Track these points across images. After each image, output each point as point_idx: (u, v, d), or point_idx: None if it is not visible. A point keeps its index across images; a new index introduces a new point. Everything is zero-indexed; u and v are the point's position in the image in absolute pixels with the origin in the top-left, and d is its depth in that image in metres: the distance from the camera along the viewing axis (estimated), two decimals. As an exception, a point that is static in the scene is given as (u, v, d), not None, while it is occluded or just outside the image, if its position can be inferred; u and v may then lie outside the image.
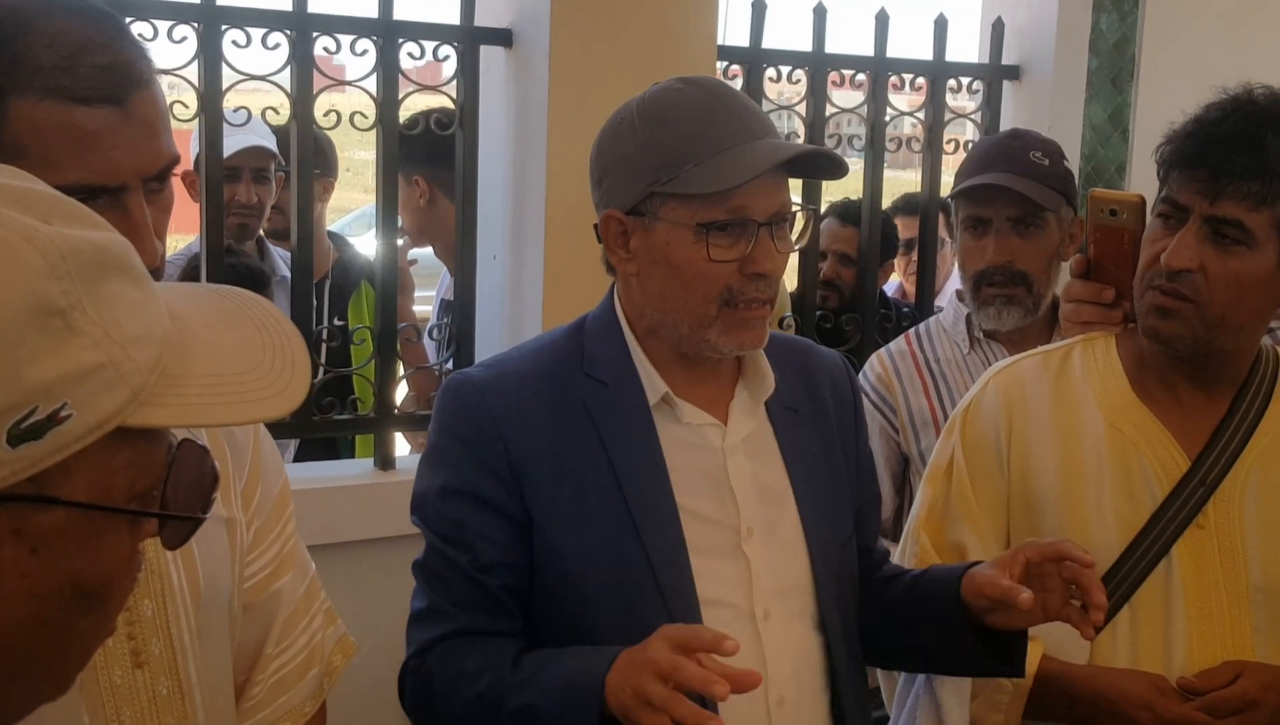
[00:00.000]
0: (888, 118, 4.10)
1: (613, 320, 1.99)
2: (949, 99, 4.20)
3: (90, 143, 1.44)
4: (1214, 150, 2.01)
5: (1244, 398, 2.18)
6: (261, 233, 4.11)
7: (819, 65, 3.95)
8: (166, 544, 1.08)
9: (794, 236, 1.93)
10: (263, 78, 3.26)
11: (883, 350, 3.14)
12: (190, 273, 3.60)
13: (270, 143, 3.94)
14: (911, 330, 3.19)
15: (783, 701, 1.93)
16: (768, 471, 1.99)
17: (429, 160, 3.84)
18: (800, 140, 3.98)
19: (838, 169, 1.96)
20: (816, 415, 2.06)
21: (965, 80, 4.24)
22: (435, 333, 3.83)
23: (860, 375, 3.02)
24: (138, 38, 1.53)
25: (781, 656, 1.94)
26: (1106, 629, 2.13)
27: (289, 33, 3.24)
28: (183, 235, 3.93)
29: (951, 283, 5.27)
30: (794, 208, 1.91)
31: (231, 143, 3.59)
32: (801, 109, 3.98)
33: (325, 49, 3.31)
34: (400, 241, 3.97)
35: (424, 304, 4.56)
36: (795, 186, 4.00)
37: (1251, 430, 2.17)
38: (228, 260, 3.43)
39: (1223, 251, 2.02)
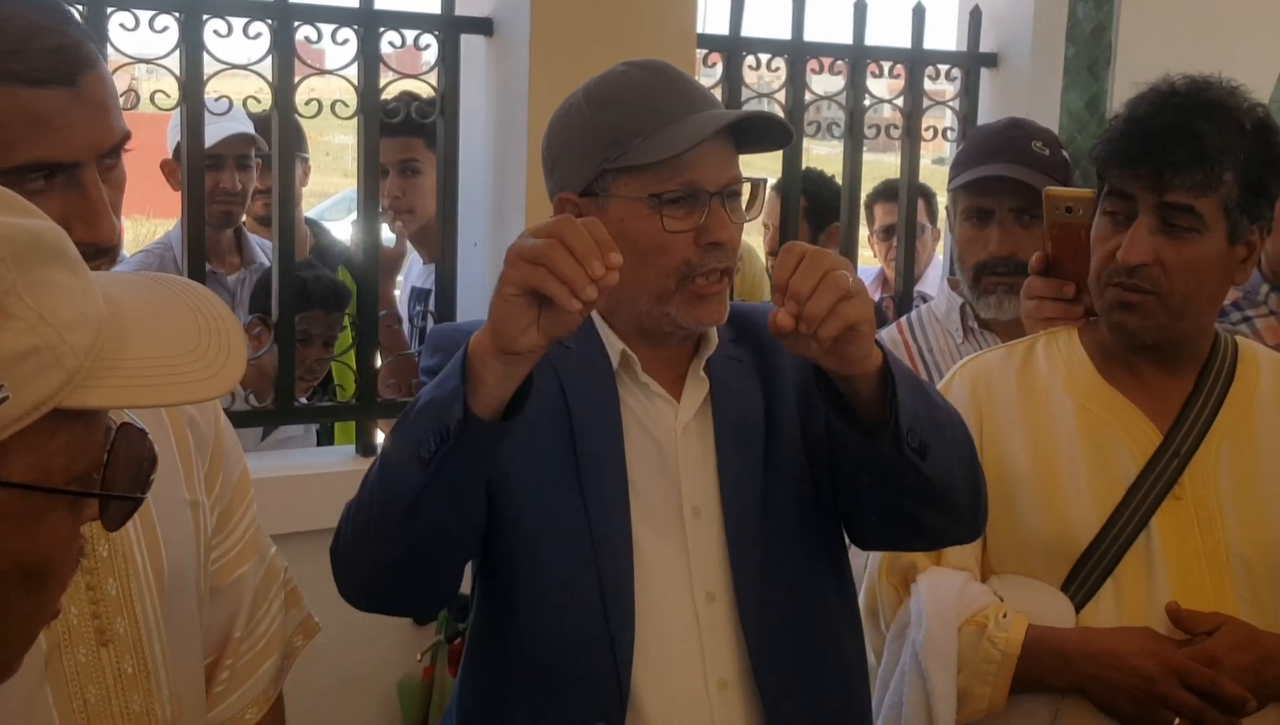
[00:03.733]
0: (866, 104, 4.12)
1: None
2: (927, 86, 4.22)
3: (44, 123, 1.46)
4: (1153, 146, 2.07)
5: (1208, 374, 2.23)
6: (243, 221, 4.12)
7: (798, 53, 3.96)
8: (107, 525, 1.10)
9: (746, 208, 1.95)
10: (244, 67, 3.26)
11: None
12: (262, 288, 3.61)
13: (250, 128, 3.94)
14: (903, 319, 3.19)
15: (725, 685, 1.92)
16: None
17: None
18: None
19: (783, 133, 1.98)
20: (760, 362, 2.03)
21: (943, 67, 4.26)
22: (416, 319, 3.84)
23: None
24: (81, 22, 1.55)
25: (724, 640, 1.93)
26: (1090, 603, 2.16)
27: (270, 22, 3.25)
28: (162, 221, 3.93)
29: (933, 269, 5.30)
30: (744, 180, 1.93)
31: (214, 131, 3.59)
32: (781, 96, 3.99)
33: (306, 38, 3.32)
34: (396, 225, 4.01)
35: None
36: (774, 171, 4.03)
37: (1219, 405, 2.21)
38: (303, 273, 3.46)
39: (1176, 241, 2.08)
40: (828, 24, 4.26)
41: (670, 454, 1.96)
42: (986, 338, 2.98)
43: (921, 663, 2.17)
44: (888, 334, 3.12)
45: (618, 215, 1.88)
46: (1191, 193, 2.05)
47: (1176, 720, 2.07)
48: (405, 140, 3.89)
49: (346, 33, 3.36)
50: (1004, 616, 2.16)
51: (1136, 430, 2.20)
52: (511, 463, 1.89)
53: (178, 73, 3.17)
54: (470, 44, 3.56)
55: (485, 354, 1.65)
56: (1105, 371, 2.24)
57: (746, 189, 1.96)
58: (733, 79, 3.87)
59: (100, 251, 1.53)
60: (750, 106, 3.96)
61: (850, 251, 4.18)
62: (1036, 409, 2.25)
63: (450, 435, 1.67)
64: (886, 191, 5.21)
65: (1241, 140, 2.08)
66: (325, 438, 4.11)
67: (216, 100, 3.27)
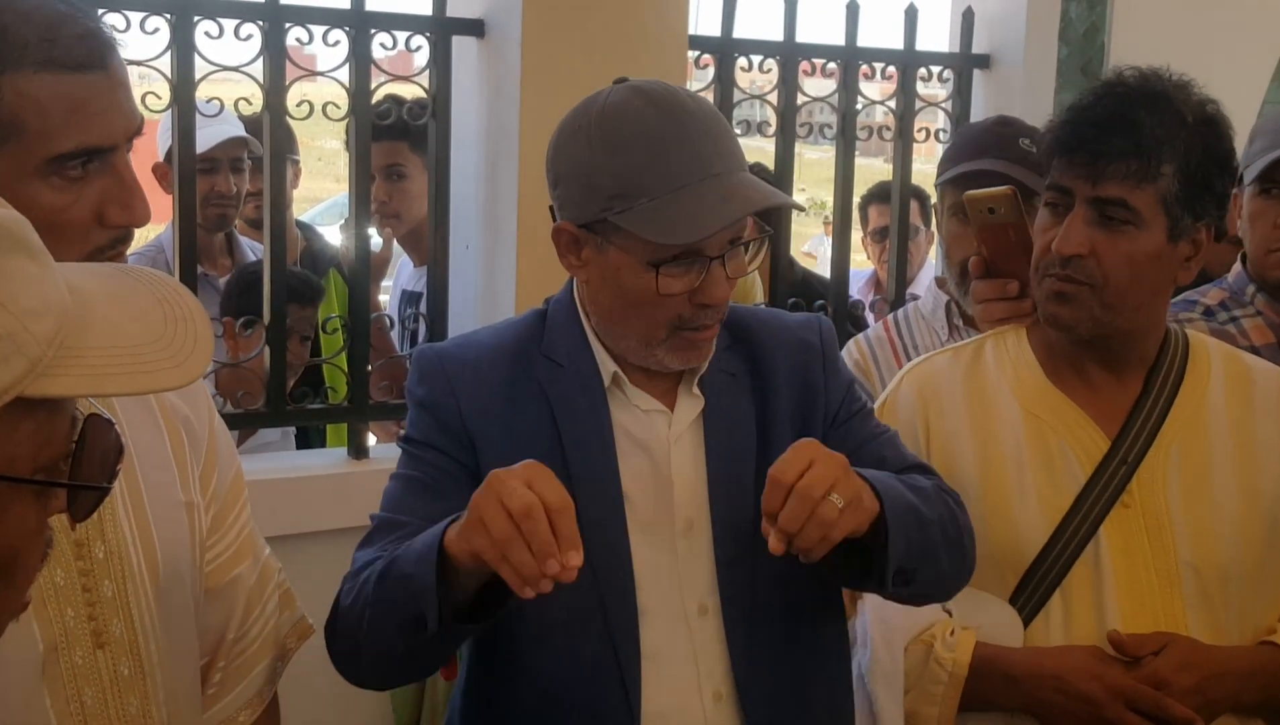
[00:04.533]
0: (859, 106, 4.12)
1: (572, 305, 2.00)
2: (920, 88, 4.22)
3: (86, 108, 1.48)
4: (1090, 134, 2.05)
5: (1156, 377, 2.20)
6: (235, 225, 4.12)
7: (790, 55, 3.96)
8: (75, 516, 1.09)
9: (749, 261, 1.92)
10: (235, 69, 3.26)
11: (860, 336, 3.12)
12: (245, 283, 3.62)
13: (242, 130, 3.94)
14: (889, 317, 3.17)
15: (720, 697, 1.92)
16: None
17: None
18: (772, 129, 3.99)
19: (794, 209, 1.98)
20: (755, 377, 2.02)
21: (936, 69, 4.26)
22: (408, 322, 3.84)
23: None
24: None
25: (717, 652, 1.93)
26: (1039, 615, 2.14)
27: (261, 24, 3.24)
28: (151, 226, 3.91)
29: (926, 271, 5.30)
30: (750, 236, 1.90)
31: (209, 135, 3.59)
32: (773, 98, 3.99)
33: (297, 39, 3.31)
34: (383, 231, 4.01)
35: (382, 293, 4.57)
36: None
37: (1168, 408, 2.18)
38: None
39: (1112, 233, 2.05)
40: (820, 26, 4.26)
41: (664, 465, 1.95)
42: (971, 335, 2.97)
43: (867, 684, 2.15)
44: (874, 331, 3.12)
45: (614, 262, 1.86)
46: (1126, 184, 2.02)
47: None
48: (390, 145, 3.89)
49: (338, 34, 3.35)
50: (951, 634, 2.14)
51: (1084, 437, 2.17)
52: None
53: (169, 75, 3.16)
54: (462, 46, 3.56)
55: (456, 553, 1.67)
56: (1053, 374, 2.21)
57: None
58: (724, 81, 3.87)
59: (128, 235, 1.54)
60: (742, 108, 3.96)
61: (842, 254, 4.18)
62: (984, 415, 2.22)
63: (427, 627, 1.70)
64: (880, 194, 5.21)
65: (1183, 133, 2.05)
66: (317, 440, 4.11)
67: (208, 102, 3.27)
